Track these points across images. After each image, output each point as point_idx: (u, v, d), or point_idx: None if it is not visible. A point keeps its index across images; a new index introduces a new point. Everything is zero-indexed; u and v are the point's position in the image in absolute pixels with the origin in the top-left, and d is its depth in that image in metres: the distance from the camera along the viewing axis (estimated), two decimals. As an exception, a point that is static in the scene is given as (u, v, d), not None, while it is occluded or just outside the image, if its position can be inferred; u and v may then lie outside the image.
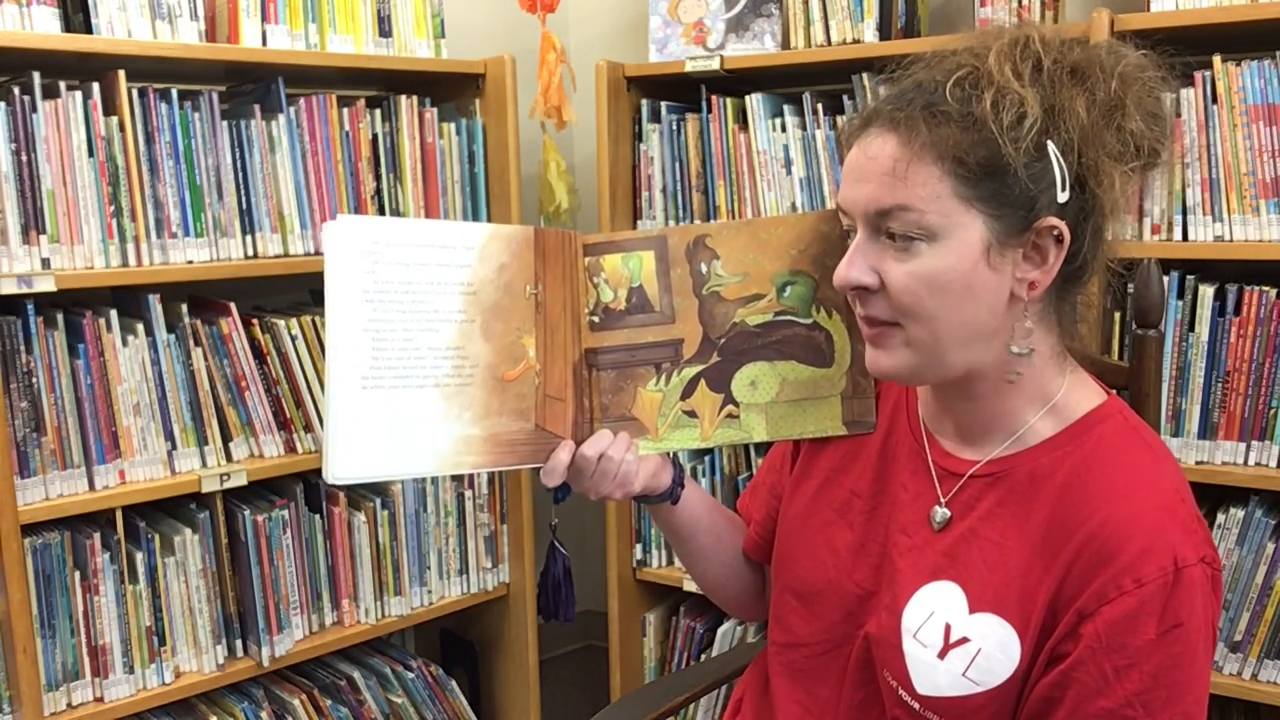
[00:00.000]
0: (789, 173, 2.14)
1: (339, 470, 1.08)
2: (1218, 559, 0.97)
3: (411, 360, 1.10)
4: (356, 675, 2.21)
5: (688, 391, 1.19)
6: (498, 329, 1.13)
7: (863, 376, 1.17)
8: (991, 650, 0.98)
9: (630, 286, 1.19)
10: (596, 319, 1.19)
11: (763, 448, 2.22)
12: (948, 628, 1.01)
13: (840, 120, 2.08)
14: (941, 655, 1.01)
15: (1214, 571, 0.95)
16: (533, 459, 1.16)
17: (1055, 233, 0.96)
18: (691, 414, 1.20)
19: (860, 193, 0.97)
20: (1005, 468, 1.03)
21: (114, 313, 1.84)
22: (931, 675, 1.01)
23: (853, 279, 0.99)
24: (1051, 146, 0.94)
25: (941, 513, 1.05)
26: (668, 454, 1.23)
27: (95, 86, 1.80)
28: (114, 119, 1.81)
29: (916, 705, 1.02)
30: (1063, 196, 0.94)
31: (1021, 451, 1.03)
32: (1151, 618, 0.92)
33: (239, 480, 1.94)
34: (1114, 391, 1.08)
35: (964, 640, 1.00)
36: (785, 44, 2.17)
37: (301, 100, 2.02)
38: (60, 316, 1.80)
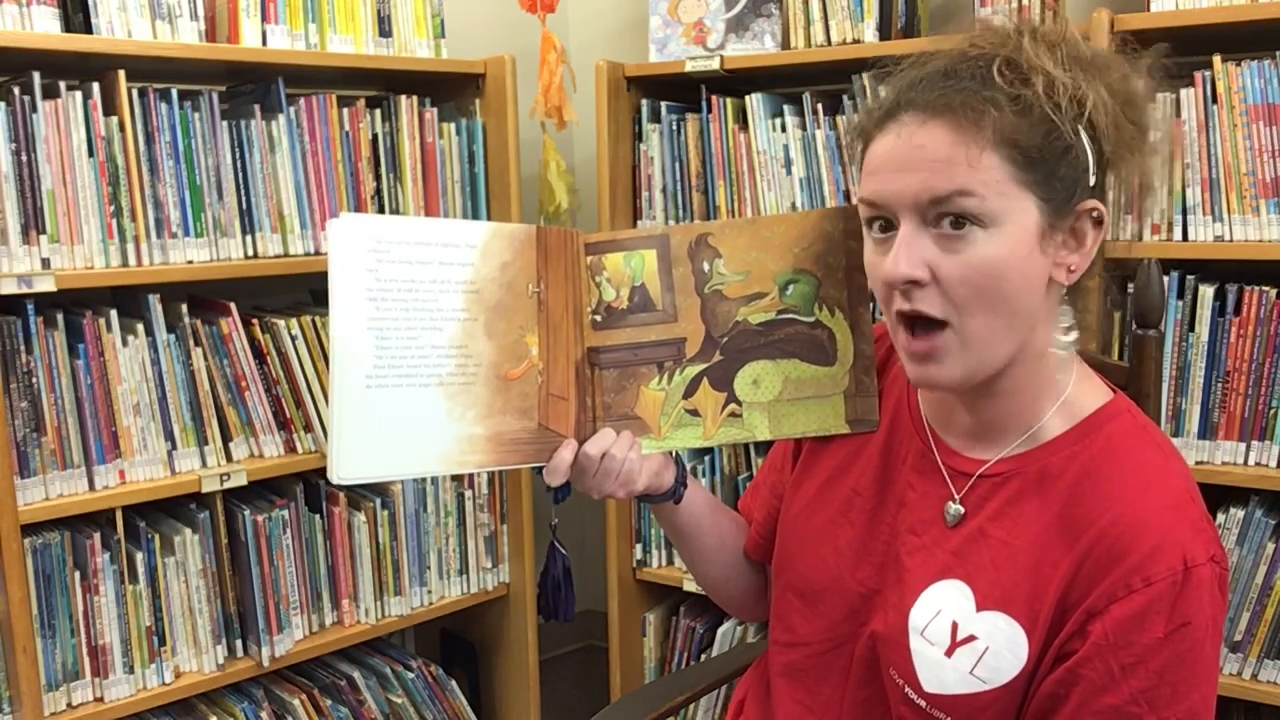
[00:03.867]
0: (789, 173, 2.14)
1: (344, 471, 1.08)
2: (1226, 558, 0.97)
3: (415, 359, 1.10)
4: (356, 675, 2.21)
5: (690, 390, 1.19)
6: (500, 327, 1.13)
7: (865, 375, 1.16)
8: (999, 648, 0.98)
9: (632, 285, 1.18)
10: (599, 318, 1.19)
11: (763, 448, 2.22)
12: (955, 626, 1.01)
13: (840, 120, 2.08)
14: (949, 653, 1.00)
15: (1222, 571, 0.95)
16: (536, 458, 1.16)
17: (1095, 214, 0.97)
18: (694, 413, 1.20)
19: (908, 182, 0.95)
20: (1016, 466, 1.03)
21: (114, 313, 1.84)
22: (939, 673, 1.01)
23: (904, 274, 0.95)
24: (1084, 130, 0.95)
25: (956, 509, 1.05)
26: (670, 453, 1.23)
27: (95, 86, 1.80)
28: (114, 119, 1.81)
29: (923, 703, 1.01)
30: (1091, 180, 0.96)
31: (1032, 450, 1.03)
32: (1160, 616, 0.92)
33: (239, 480, 1.94)
34: (1119, 389, 1.08)
35: (971, 638, 1.00)
36: (785, 44, 2.18)
37: (301, 100, 2.02)
38: (60, 316, 1.79)
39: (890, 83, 1.01)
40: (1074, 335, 1.02)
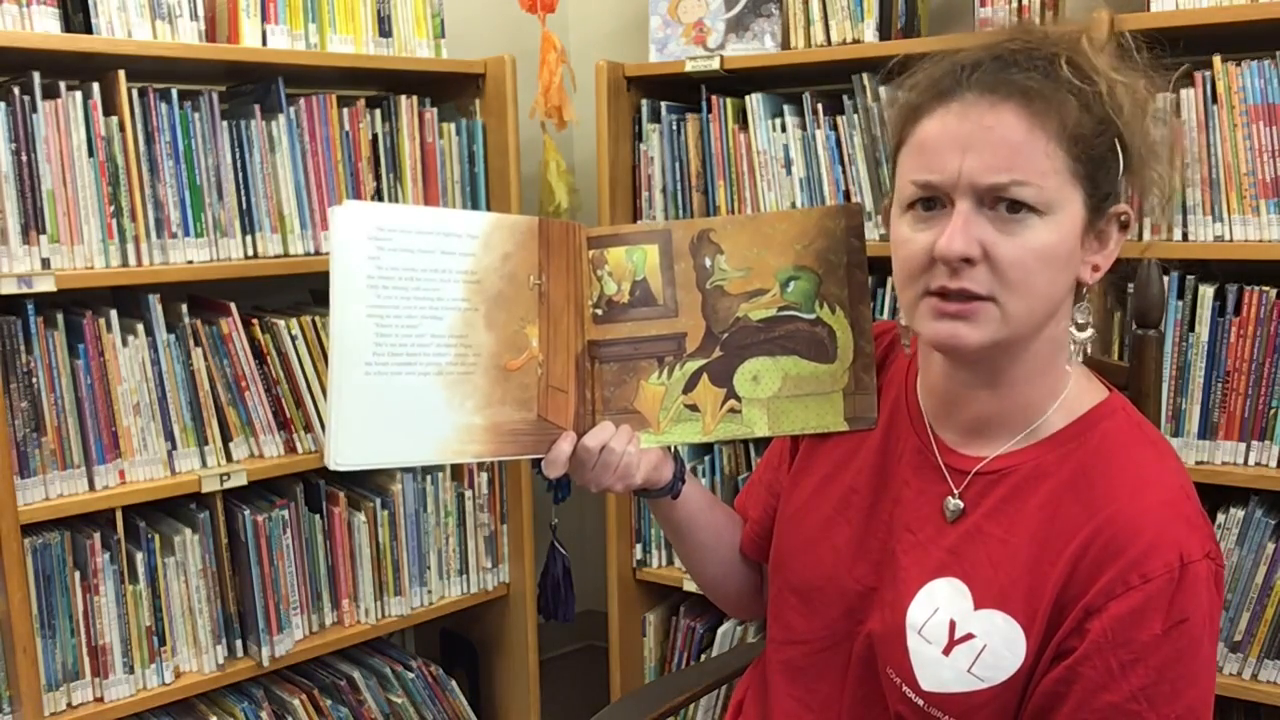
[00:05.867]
0: (789, 173, 2.14)
1: (341, 456, 1.08)
2: (1221, 554, 0.97)
3: (415, 347, 1.10)
4: (356, 675, 2.21)
5: (690, 385, 1.20)
6: (500, 318, 1.14)
7: (865, 372, 1.17)
8: (997, 646, 0.99)
9: (634, 279, 1.19)
10: (600, 311, 1.19)
11: (762, 447, 2.22)
12: (952, 624, 1.01)
13: (841, 120, 2.08)
14: (946, 651, 1.01)
15: (1218, 567, 0.96)
16: (534, 449, 1.16)
17: (1123, 218, 1.00)
18: (693, 408, 1.20)
19: (971, 162, 0.95)
20: (1011, 464, 1.03)
21: (114, 313, 1.84)
22: (936, 671, 1.01)
23: (959, 251, 0.95)
24: (1119, 137, 0.97)
25: (955, 503, 1.05)
26: (669, 448, 1.23)
27: (95, 86, 1.80)
28: (114, 119, 1.81)
29: (921, 702, 1.02)
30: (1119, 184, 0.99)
31: (1027, 447, 1.03)
32: (1158, 613, 0.92)
33: (239, 480, 1.93)
34: (1114, 388, 1.08)
35: (969, 636, 1.00)
36: (785, 44, 2.17)
37: (301, 100, 2.02)
38: (60, 316, 1.79)
39: (926, 69, 1.01)
40: (1090, 332, 1.03)
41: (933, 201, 0.98)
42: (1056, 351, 1.03)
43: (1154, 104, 1.00)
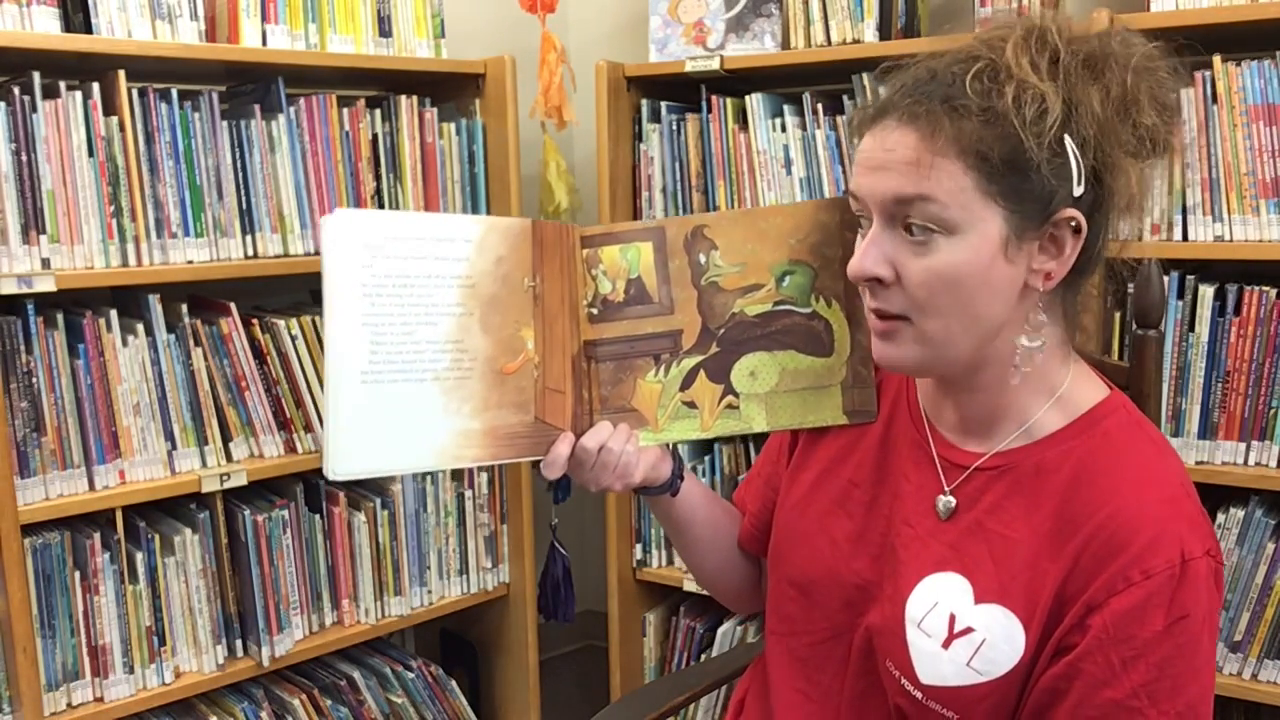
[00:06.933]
0: (789, 173, 2.14)
1: (339, 465, 1.08)
2: (1221, 552, 0.97)
3: (410, 354, 1.10)
4: (356, 675, 2.21)
5: (687, 382, 1.19)
6: (496, 322, 1.14)
7: (863, 366, 1.17)
8: (996, 640, 0.99)
9: (629, 278, 1.19)
10: (595, 311, 1.19)
11: (762, 444, 2.22)
12: (952, 618, 1.01)
13: (840, 120, 2.08)
14: (945, 645, 1.01)
15: (1218, 565, 0.96)
16: (532, 451, 1.16)
17: (1073, 223, 0.96)
18: (691, 405, 1.20)
19: (878, 182, 0.97)
20: (1011, 460, 1.03)
21: (114, 313, 1.84)
22: (935, 665, 1.01)
23: (867, 270, 0.98)
24: (1069, 141, 0.94)
25: (946, 501, 1.05)
26: (667, 445, 1.23)
27: (95, 86, 1.80)
28: (114, 119, 1.81)
29: (919, 695, 1.02)
30: (1078, 190, 0.95)
31: (1028, 444, 1.03)
32: (1159, 609, 0.92)
33: (239, 480, 1.93)
34: (1115, 386, 1.08)
35: (969, 630, 1.00)
36: (785, 44, 2.18)
37: (301, 100, 2.02)
38: (60, 316, 1.80)
39: (890, 81, 1.02)
40: (1039, 342, 1.00)
41: (866, 219, 1.00)
42: (1030, 358, 1.01)
43: (1139, 96, 0.96)
